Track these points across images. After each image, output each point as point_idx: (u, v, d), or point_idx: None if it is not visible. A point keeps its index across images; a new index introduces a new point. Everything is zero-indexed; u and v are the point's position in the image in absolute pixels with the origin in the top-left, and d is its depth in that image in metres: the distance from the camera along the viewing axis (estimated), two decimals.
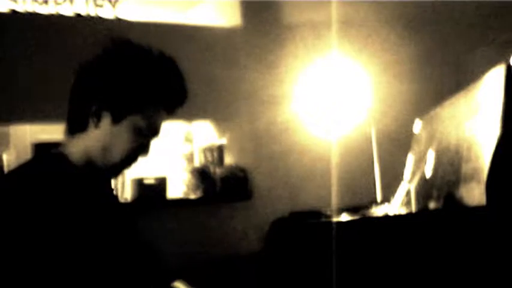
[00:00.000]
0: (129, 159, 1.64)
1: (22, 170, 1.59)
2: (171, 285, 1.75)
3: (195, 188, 4.10)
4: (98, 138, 1.61)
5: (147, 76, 1.62)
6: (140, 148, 1.64)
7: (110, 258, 1.55)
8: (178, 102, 1.68)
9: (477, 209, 1.56)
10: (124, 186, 4.01)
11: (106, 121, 1.61)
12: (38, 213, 1.47)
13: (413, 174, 2.04)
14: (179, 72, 1.68)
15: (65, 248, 1.47)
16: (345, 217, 1.82)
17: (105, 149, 1.61)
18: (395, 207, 2.02)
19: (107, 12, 4.05)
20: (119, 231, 1.65)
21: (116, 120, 1.60)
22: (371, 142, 3.38)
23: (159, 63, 1.65)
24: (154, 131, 1.65)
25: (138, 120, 1.61)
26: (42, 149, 1.68)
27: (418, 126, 2.19)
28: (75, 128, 1.65)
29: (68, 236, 1.48)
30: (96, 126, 1.61)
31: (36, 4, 3.86)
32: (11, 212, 1.47)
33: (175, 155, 4.38)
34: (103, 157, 1.62)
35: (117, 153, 1.62)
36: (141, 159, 1.67)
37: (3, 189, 1.53)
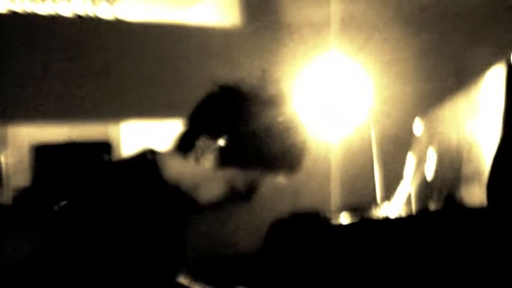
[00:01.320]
0: (213, 206, 1.57)
1: (117, 168, 1.55)
2: (176, 280, 1.74)
3: None
4: (193, 172, 1.53)
5: (272, 137, 1.50)
6: (229, 200, 1.56)
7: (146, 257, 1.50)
8: (291, 172, 1.55)
9: (478, 209, 1.55)
10: None
11: (208, 161, 1.51)
12: (114, 211, 1.44)
13: (414, 175, 2.03)
14: (304, 150, 1.55)
15: (113, 247, 1.43)
16: (345, 218, 1.81)
17: (197, 187, 1.54)
18: (396, 208, 2.01)
19: (105, 12, 4.05)
20: (169, 240, 1.60)
21: (218, 166, 1.51)
22: (371, 142, 3.37)
23: (289, 128, 1.52)
24: (252, 190, 1.56)
25: (239, 175, 1.52)
26: (143, 154, 1.59)
27: (418, 126, 2.18)
28: (179, 147, 1.57)
29: (126, 237, 1.44)
30: (197, 160, 1.52)
31: (33, 4, 3.85)
32: (94, 201, 1.45)
33: None
34: (192, 192, 1.54)
35: (206, 196, 1.55)
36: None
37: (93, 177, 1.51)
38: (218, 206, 1.59)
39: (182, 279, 1.76)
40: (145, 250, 1.47)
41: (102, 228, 1.42)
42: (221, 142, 1.50)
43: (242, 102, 1.52)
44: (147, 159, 1.57)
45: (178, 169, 1.54)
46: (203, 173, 1.52)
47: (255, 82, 1.56)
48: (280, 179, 1.57)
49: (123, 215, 1.43)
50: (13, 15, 3.78)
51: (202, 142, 1.51)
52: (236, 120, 1.51)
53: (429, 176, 1.91)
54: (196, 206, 1.59)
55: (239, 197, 1.57)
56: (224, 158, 1.51)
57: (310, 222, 1.75)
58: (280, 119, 1.52)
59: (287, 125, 1.53)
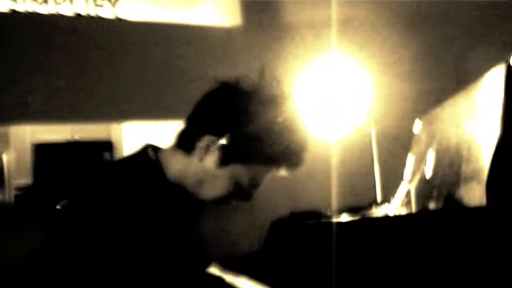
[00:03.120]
0: (219, 202, 1.58)
1: (118, 166, 1.57)
2: (207, 271, 1.74)
3: None
4: (197, 170, 1.53)
5: (275, 135, 1.51)
6: (234, 196, 1.58)
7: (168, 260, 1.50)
8: (293, 167, 1.57)
9: (477, 209, 1.56)
10: None
11: (211, 159, 1.52)
12: (117, 211, 1.44)
13: (414, 174, 2.04)
14: (305, 139, 1.57)
15: (126, 247, 1.43)
16: (345, 217, 1.81)
17: (200, 184, 1.54)
18: (396, 207, 2.01)
19: (107, 12, 4.05)
20: (183, 239, 1.60)
21: (221, 163, 1.52)
22: (371, 142, 3.37)
23: (291, 125, 1.53)
24: (255, 185, 1.57)
25: (242, 172, 1.53)
26: (145, 151, 1.59)
27: (418, 126, 2.18)
28: (181, 145, 1.57)
29: (135, 237, 1.44)
30: (200, 158, 1.52)
31: (35, 4, 3.86)
32: (97, 202, 1.45)
33: None
34: (195, 189, 1.55)
35: (209, 193, 1.56)
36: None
37: (98, 179, 1.51)
38: (222, 202, 1.59)
39: (213, 270, 1.76)
40: (153, 249, 1.46)
41: (104, 227, 1.42)
42: (223, 140, 1.51)
43: (243, 99, 1.53)
44: (149, 157, 1.57)
45: (181, 167, 1.55)
46: (206, 171, 1.53)
47: (255, 79, 1.58)
48: (283, 174, 1.58)
49: (126, 214, 1.43)
50: (15, 15, 3.79)
51: (205, 141, 1.52)
52: (237, 117, 1.51)
53: (429, 176, 1.92)
54: (200, 203, 1.60)
55: (242, 193, 1.58)
56: (227, 156, 1.52)
57: (310, 222, 1.75)
58: (281, 115, 1.53)
59: (288, 122, 1.54)
